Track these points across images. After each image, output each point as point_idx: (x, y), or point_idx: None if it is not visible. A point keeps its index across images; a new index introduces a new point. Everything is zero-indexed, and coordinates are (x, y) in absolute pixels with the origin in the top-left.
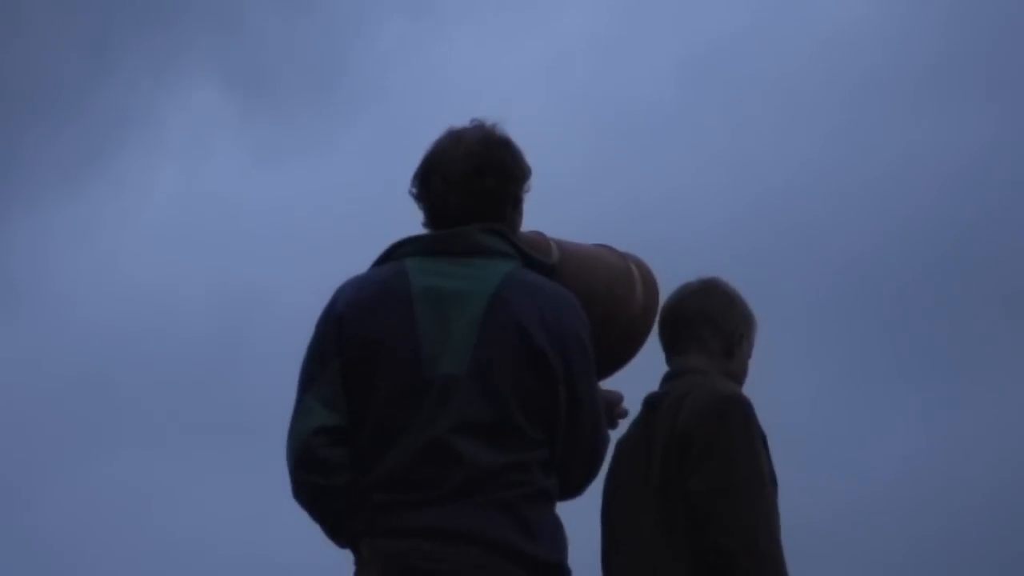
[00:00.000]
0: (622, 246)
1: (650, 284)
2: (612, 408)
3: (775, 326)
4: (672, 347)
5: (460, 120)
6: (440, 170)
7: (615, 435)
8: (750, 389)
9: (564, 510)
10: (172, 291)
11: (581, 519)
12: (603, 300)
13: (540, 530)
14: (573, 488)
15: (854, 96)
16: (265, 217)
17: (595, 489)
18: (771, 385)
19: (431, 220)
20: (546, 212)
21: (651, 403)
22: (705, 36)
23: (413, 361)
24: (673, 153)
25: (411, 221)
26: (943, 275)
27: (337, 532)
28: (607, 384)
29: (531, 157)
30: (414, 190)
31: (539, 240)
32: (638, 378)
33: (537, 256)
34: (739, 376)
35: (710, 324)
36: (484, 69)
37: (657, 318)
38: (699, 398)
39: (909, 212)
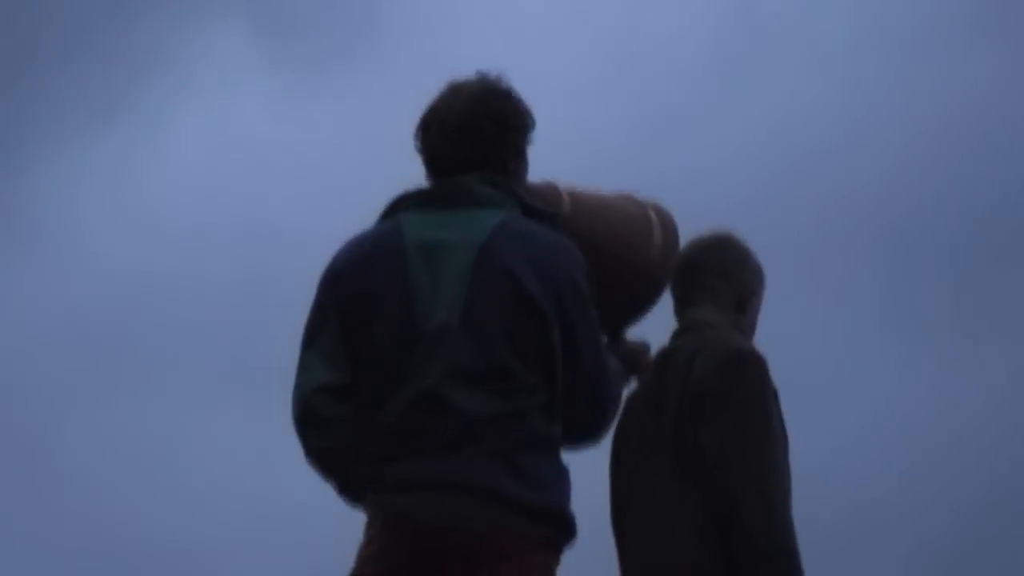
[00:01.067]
0: (633, 177)
1: (669, 228)
2: (636, 358)
3: (796, 267)
4: (683, 299)
5: (482, 63)
6: (439, 121)
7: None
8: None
9: (574, 460)
10: (199, 234)
11: (592, 470)
12: (619, 246)
13: (538, 477)
14: (584, 433)
15: (877, 29)
16: (292, 161)
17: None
18: (771, 325)
19: (430, 172)
20: (578, 149)
21: (663, 357)
22: None
23: (406, 313)
24: (695, 92)
25: None
26: (937, 218)
27: (345, 489)
28: (632, 332)
29: (558, 105)
30: (416, 143)
31: (548, 189)
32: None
33: (537, 204)
34: (749, 331)
35: (723, 278)
36: (513, 9)
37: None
38: (712, 353)
39: (908, 152)
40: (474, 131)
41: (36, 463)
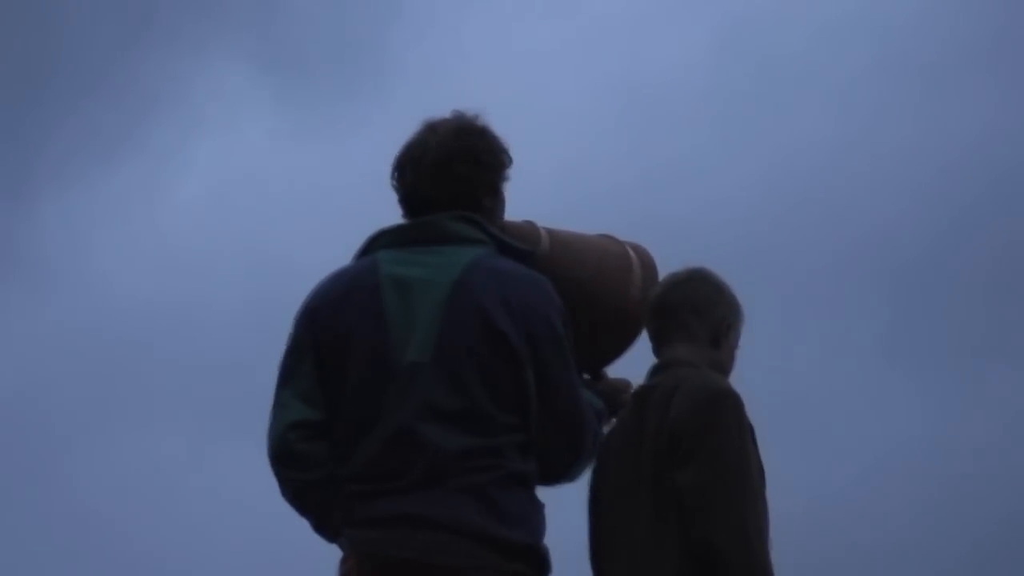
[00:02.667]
0: (647, 219)
1: (649, 268)
2: (618, 395)
3: (787, 301)
4: (659, 337)
5: (488, 98)
6: (413, 160)
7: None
8: (755, 368)
9: (551, 499)
10: (206, 266)
11: (569, 508)
12: (599, 284)
13: (513, 513)
14: (560, 471)
15: (885, 67)
16: (296, 193)
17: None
18: (775, 359)
19: (405, 210)
20: (573, 188)
21: (640, 396)
22: (736, 10)
23: (380, 350)
24: (702, 130)
25: None
26: (950, 256)
27: (322, 526)
28: (611, 371)
29: (560, 134)
30: (392, 182)
31: (527, 228)
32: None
33: (512, 242)
34: (726, 366)
35: (697, 314)
36: (516, 46)
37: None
38: (689, 392)
39: (920, 191)
40: (447, 169)
41: (46, 489)
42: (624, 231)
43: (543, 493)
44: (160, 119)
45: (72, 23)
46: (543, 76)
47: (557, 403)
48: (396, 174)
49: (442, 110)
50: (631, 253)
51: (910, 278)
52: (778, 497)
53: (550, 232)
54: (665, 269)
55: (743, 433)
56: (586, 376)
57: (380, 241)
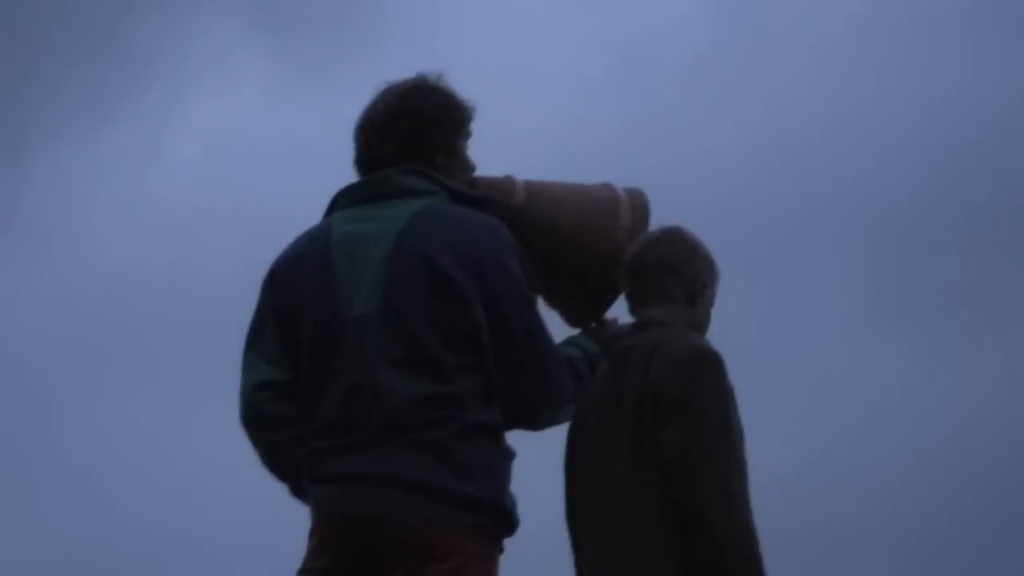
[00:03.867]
0: (637, 173)
1: (639, 209)
2: (619, 340)
3: (791, 260)
4: (635, 297)
5: (482, 55)
6: (365, 122)
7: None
8: (743, 323)
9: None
10: (201, 226)
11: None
12: (583, 231)
13: (470, 466)
14: (524, 416)
15: (877, 25)
16: (292, 151)
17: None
18: (762, 313)
19: (357, 168)
20: (573, 147)
21: (619, 355)
22: None
23: (330, 307)
24: (696, 89)
25: None
26: (936, 211)
27: (296, 489)
28: (612, 314)
29: (553, 90)
30: (353, 144)
31: (499, 181)
32: None
33: (466, 191)
34: (703, 324)
35: (672, 273)
36: (510, 4)
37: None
38: (670, 352)
39: (907, 146)
40: (392, 129)
41: (36, 453)
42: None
43: (519, 440)
44: (155, 79)
45: None
46: (537, 33)
47: (514, 342)
48: (353, 139)
49: (436, 67)
50: (620, 195)
51: (897, 233)
52: (766, 454)
53: (529, 183)
54: (657, 224)
55: (725, 394)
56: (592, 325)
57: (340, 201)
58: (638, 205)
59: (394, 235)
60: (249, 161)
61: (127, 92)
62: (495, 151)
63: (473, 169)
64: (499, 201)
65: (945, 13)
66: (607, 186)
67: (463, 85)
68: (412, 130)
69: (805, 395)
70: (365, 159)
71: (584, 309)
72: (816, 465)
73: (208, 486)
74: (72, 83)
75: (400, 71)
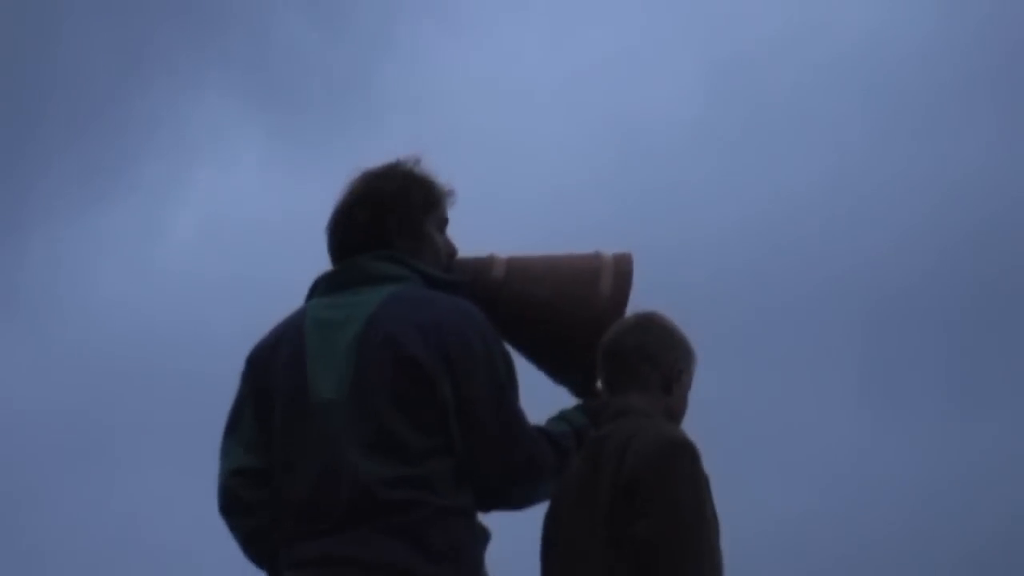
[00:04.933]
0: (637, 251)
1: (621, 277)
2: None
3: (785, 340)
4: (611, 384)
5: (479, 133)
6: (334, 209)
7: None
8: (730, 400)
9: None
10: (200, 300)
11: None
12: (564, 301)
13: (444, 550)
14: (501, 492)
15: (874, 108)
16: (289, 226)
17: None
18: (749, 392)
19: (330, 257)
20: (570, 223)
21: (594, 445)
22: (729, 49)
23: (300, 391)
24: (694, 166)
25: None
26: (927, 296)
27: (272, 573)
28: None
29: (550, 169)
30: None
31: (476, 261)
32: None
33: (438, 275)
34: (679, 411)
35: (648, 361)
36: (507, 82)
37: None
38: (644, 442)
39: (914, 225)
40: (352, 218)
41: (37, 528)
42: None
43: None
44: (153, 154)
45: (66, 58)
46: (534, 112)
47: (482, 420)
48: (327, 223)
49: (431, 143)
50: (604, 262)
51: (886, 317)
52: (748, 532)
53: (511, 259)
54: (649, 301)
55: (699, 484)
56: (592, 398)
57: (317, 289)
58: (621, 271)
59: (362, 321)
60: (246, 235)
61: (125, 168)
62: (492, 224)
63: (453, 252)
64: (471, 283)
65: (944, 97)
66: (595, 255)
67: (460, 160)
68: (372, 215)
69: (794, 474)
70: (334, 248)
71: (577, 380)
72: (802, 545)
73: (208, 563)
74: (69, 160)
75: (397, 148)
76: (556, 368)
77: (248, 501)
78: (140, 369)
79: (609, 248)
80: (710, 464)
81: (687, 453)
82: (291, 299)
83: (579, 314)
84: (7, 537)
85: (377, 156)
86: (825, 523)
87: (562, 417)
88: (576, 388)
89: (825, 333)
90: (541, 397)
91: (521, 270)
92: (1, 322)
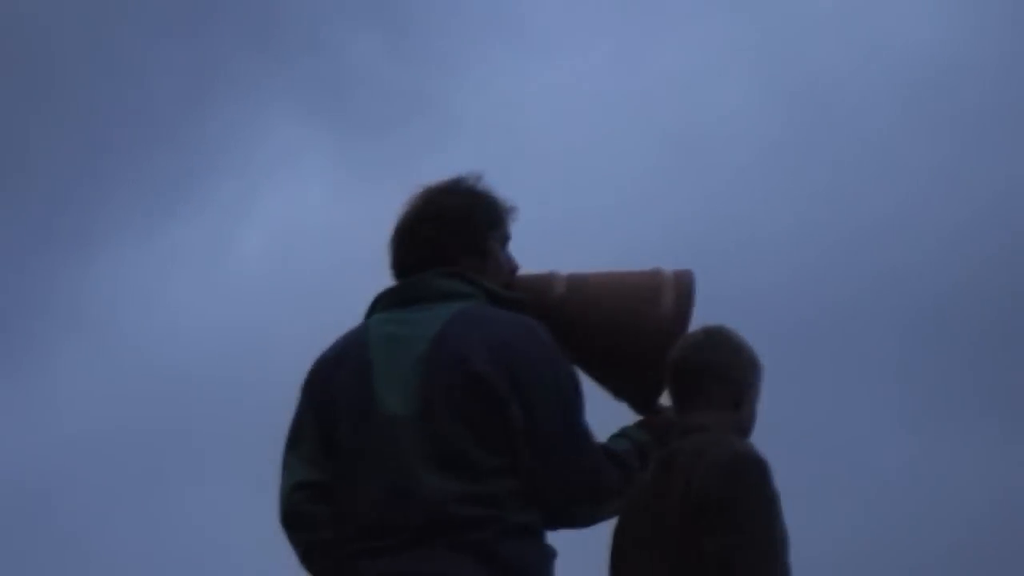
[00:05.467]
0: (714, 282)
1: (683, 294)
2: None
3: (826, 353)
4: (681, 401)
5: (547, 151)
6: (397, 224)
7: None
8: (771, 418)
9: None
10: (268, 320)
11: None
12: (626, 317)
13: (516, 568)
14: (564, 513)
15: (953, 132)
16: (359, 246)
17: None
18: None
19: (393, 273)
20: (635, 239)
21: (664, 461)
22: (796, 67)
23: (367, 407)
24: (768, 189)
25: None
26: (965, 308)
27: None
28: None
29: (618, 187)
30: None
31: (538, 278)
32: None
33: (503, 293)
34: (748, 427)
35: (717, 378)
36: (576, 102)
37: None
38: (714, 459)
39: (958, 233)
40: (416, 234)
41: (79, 559)
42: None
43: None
44: (223, 173)
45: (137, 78)
46: (601, 130)
47: (548, 442)
48: (389, 240)
49: (500, 163)
50: (664, 279)
51: (928, 330)
52: (803, 554)
53: (571, 276)
54: (709, 316)
55: (770, 499)
56: (652, 414)
57: (379, 304)
58: (682, 287)
59: (429, 339)
60: (315, 254)
61: (195, 187)
62: (559, 241)
63: (515, 268)
64: (535, 301)
65: (987, 107)
66: (655, 271)
67: (528, 179)
68: (435, 233)
69: (839, 492)
70: (396, 264)
71: (638, 396)
72: (841, 561)
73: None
74: (139, 178)
75: (466, 167)
76: (617, 385)
77: (310, 515)
78: (209, 386)
79: (669, 264)
80: (784, 484)
81: (758, 469)
82: (359, 316)
83: (641, 331)
84: (75, 556)
85: (445, 175)
86: (871, 541)
87: (623, 435)
88: (637, 405)
89: (867, 346)
90: (601, 413)
91: (582, 287)
92: (70, 340)
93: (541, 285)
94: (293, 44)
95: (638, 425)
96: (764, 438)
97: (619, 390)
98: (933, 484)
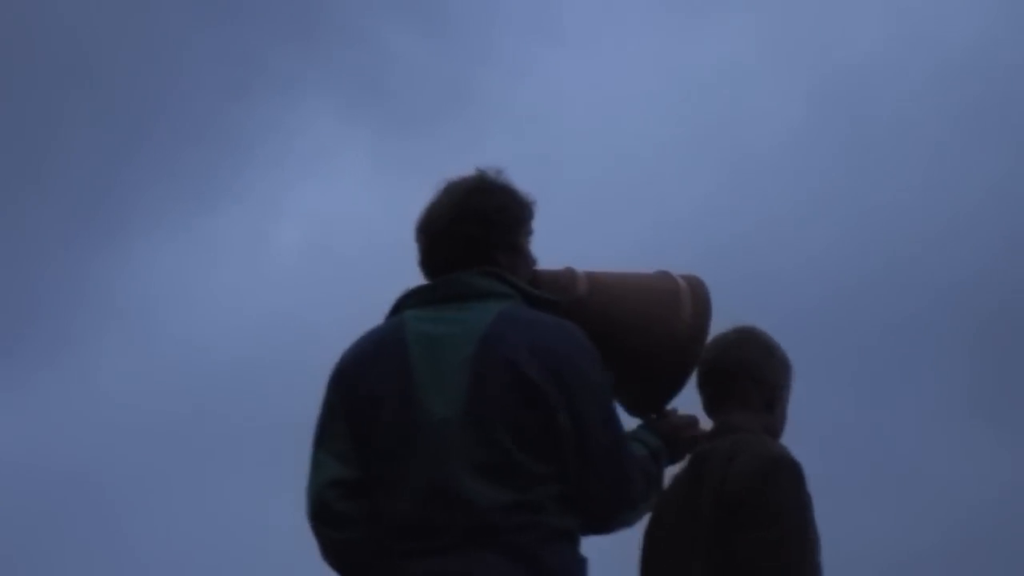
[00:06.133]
0: (741, 271)
1: (699, 300)
2: (679, 432)
3: (890, 357)
4: (713, 402)
5: (583, 145)
6: (429, 222)
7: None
8: (841, 423)
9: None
10: (305, 314)
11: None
12: (644, 321)
13: (553, 570)
14: (605, 518)
15: (972, 122)
16: (395, 239)
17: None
18: (860, 414)
19: (423, 272)
20: (673, 236)
21: (697, 459)
22: (833, 62)
23: (409, 407)
24: (793, 181)
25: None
26: None
27: None
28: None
29: (657, 184)
30: (415, 244)
31: (562, 276)
32: None
33: (539, 293)
34: (779, 426)
35: (752, 379)
36: (613, 96)
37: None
38: (749, 459)
39: (1005, 244)
40: (456, 231)
41: (139, 537)
42: (718, 285)
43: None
44: (260, 165)
45: (174, 71)
46: (636, 123)
47: (594, 449)
48: (416, 238)
49: (537, 155)
50: (680, 284)
51: (994, 333)
52: (865, 554)
53: (590, 276)
54: (755, 322)
55: (803, 503)
56: (652, 416)
57: (408, 301)
58: (699, 295)
59: (475, 340)
60: (352, 246)
61: (231, 179)
62: (591, 232)
63: (535, 263)
64: (570, 301)
65: None
66: (665, 275)
67: (565, 172)
68: (475, 231)
69: (900, 493)
70: (430, 261)
71: (644, 400)
72: (913, 565)
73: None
74: (176, 171)
75: (502, 159)
76: (630, 387)
77: (342, 513)
78: (247, 376)
79: (710, 256)
80: (818, 485)
81: (792, 471)
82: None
83: (660, 337)
84: (114, 543)
85: (479, 164)
86: (937, 547)
87: (636, 439)
88: (645, 408)
89: (931, 351)
90: None
91: (603, 288)
92: (109, 330)
93: (564, 282)
94: (332, 37)
95: (647, 429)
96: (838, 438)
97: (630, 392)
98: (1002, 479)
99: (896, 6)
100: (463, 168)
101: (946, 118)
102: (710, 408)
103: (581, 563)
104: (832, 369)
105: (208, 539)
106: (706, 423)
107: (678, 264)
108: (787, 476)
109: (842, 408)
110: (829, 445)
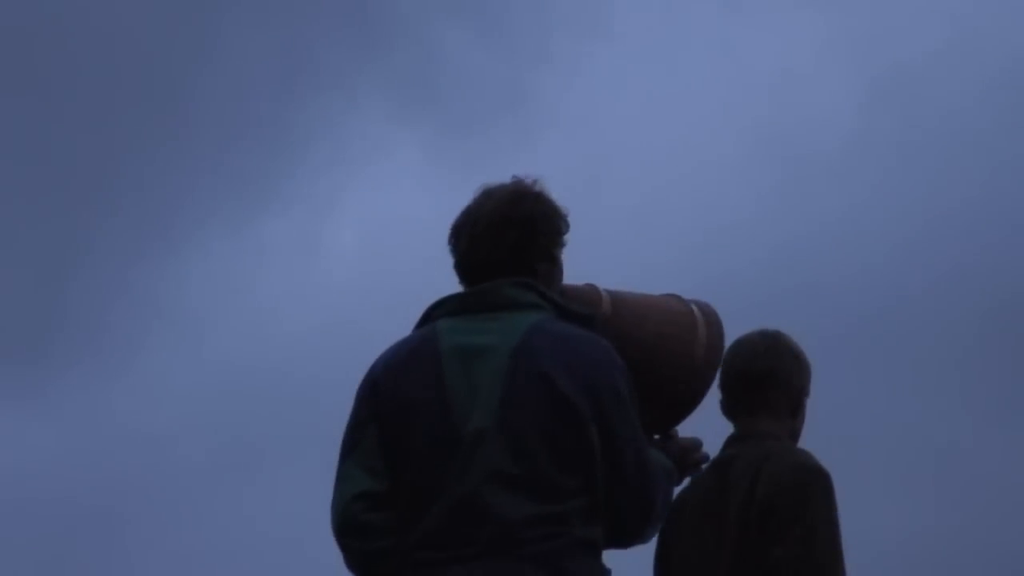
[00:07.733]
0: (793, 277)
1: (713, 326)
2: (688, 455)
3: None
4: (738, 408)
5: (636, 147)
6: (468, 225)
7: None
8: (892, 423)
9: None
10: (359, 314)
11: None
12: (663, 344)
13: None
14: (627, 536)
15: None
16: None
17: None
18: (908, 416)
19: (459, 275)
20: (725, 239)
21: (721, 465)
22: (888, 64)
23: (442, 418)
24: (848, 184)
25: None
26: None
27: None
28: (681, 429)
29: (711, 187)
30: (449, 247)
31: (588, 291)
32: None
33: (572, 307)
34: (800, 430)
35: (779, 385)
36: (666, 97)
37: (720, 371)
38: (780, 469)
39: None
40: (500, 235)
41: (200, 530)
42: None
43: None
44: (312, 167)
45: (226, 73)
46: (690, 126)
47: (624, 464)
48: (452, 240)
49: (590, 156)
50: (695, 311)
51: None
52: (903, 550)
53: (612, 294)
54: (812, 328)
55: (834, 513)
56: (656, 436)
57: (439, 310)
58: (712, 321)
59: (509, 351)
60: (404, 247)
61: (284, 181)
62: (651, 231)
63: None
64: (599, 317)
65: None
66: (678, 299)
67: (617, 173)
68: (522, 236)
69: (939, 490)
70: (469, 262)
71: (654, 421)
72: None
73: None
74: (227, 173)
75: (556, 161)
76: (643, 405)
77: (369, 525)
78: (297, 381)
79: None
80: (842, 480)
81: (824, 481)
82: None
83: (677, 360)
84: (161, 548)
85: (534, 170)
86: (978, 543)
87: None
88: (654, 429)
89: (978, 351)
90: None
91: (625, 308)
92: (158, 334)
93: (589, 299)
94: (386, 38)
95: (658, 450)
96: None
97: (641, 413)
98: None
99: (954, 10)
100: (517, 170)
101: (1005, 124)
102: (733, 412)
103: (606, 573)
104: (890, 376)
105: (251, 543)
106: (706, 429)
107: (734, 268)
108: (821, 488)
109: (904, 412)
110: (890, 446)
